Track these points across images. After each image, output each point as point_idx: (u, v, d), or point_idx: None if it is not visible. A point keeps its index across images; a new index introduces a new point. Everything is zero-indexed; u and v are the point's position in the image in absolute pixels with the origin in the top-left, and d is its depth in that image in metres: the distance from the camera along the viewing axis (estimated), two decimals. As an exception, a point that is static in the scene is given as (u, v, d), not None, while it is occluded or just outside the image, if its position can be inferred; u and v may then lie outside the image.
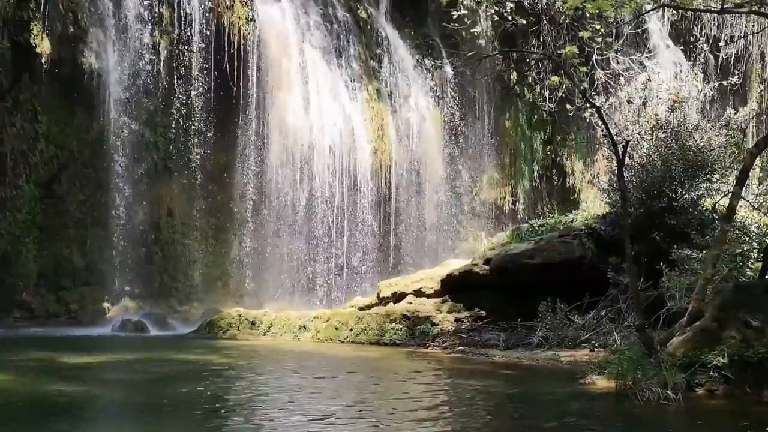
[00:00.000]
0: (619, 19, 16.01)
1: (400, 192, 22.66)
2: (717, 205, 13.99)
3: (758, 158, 13.79)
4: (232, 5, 20.43)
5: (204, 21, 20.06)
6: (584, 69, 20.49)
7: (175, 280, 20.17)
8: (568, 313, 14.15)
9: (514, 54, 22.93)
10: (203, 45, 19.97)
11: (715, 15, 23.94)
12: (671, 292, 11.91)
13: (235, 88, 20.16)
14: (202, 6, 20.06)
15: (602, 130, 16.75)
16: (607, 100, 18.95)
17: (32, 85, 18.19)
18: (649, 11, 14.44)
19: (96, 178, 19.14)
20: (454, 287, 16.52)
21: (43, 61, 18.00)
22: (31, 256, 18.26)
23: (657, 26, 26.39)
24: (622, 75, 21.36)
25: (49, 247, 18.56)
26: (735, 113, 16.51)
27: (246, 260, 20.61)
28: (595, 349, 12.77)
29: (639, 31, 23.61)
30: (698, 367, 9.33)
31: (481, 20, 23.23)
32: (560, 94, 20.90)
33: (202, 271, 20.53)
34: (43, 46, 17.99)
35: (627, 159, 12.97)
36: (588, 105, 16.91)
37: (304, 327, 16.00)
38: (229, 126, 20.57)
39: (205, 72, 19.96)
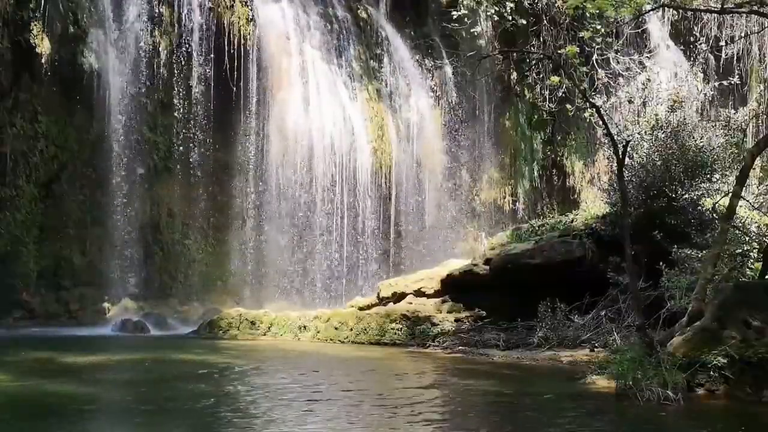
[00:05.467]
0: (619, 19, 15.99)
1: (400, 192, 22.65)
2: (717, 205, 13.98)
3: (758, 158, 13.79)
4: (232, 5, 20.43)
5: (204, 21, 20.06)
6: (584, 69, 20.49)
7: (175, 280, 20.16)
8: (568, 313, 14.16)
9: (514, 54, 22.92)
10: (203, 45, 19.98)
11: (715, 15, 23.93)
12: (671, 292, 11.92)
13: (235, 88, 20.16)
14: (202, 6, 20.06)
15: (602, 130, 16.76)
16: (607, 100, 18.96)
17: (32, 85, 18.19)
18: (649, 11, 14.46)
19: (96, 178, 19.13)
20: (454, 287, 16.52)
21: (43, 61, 18.00)
22: (31, 256, 18.25)
23: (657, 26, 26.37)
24: (622, 75, 21.37)
25: (49, 247, 18.56)
26: (735, 113, 16.53)
27: (246, 260, 20.60)
28: (595, 349, 12.77)
29: (639, 31, 23.61)
30: (698, 367, 9.33)
31: (481, 20, 23.21)
32: (560, 94, 20.90)
33: (202, 271, 20.53)
34: (43, 46, 17.99)
35: (627, 159, 12.96)
36: (588, 105, 16.90)
37: (304, 327, 15.99)
38: (229, 126, 20.57)
39: (205, 72, 19.96)
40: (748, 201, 13.87)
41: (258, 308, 17.88)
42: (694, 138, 14.96)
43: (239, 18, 20.42)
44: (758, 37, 25.88)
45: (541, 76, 22.76)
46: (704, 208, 14.49)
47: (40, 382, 10.03)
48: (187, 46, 19.86)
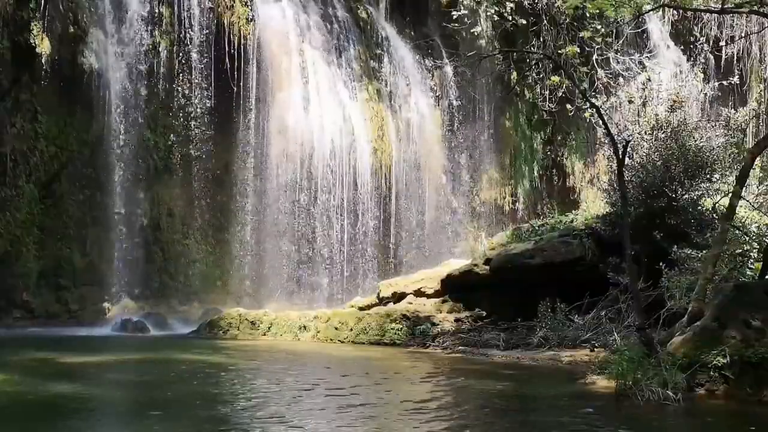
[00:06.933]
0: (619, 19, 16.00)
1: (400, 192, 22.65)
2: (717, 205, 13.99)
3: (758, 158, 13.79)
4: (232, 5, 20.43)
5: (204, 21, 20.06)
6: (584, 69, 20.50)
7: (175, 280, 20.17)
8: (568, 313, 14.17)
9: (514, 54, 22.93)
10: (203, 45, 19.98)
11: (715, 15, 23.94)
12: (671, 292, 11.93)
13: (235, 88, 20.17)
14: (202, 6, 20.07)
15: (602, 130, 16.78)
16: (607, 100, 18.97)
17: (32, 85, 18.20)
18: (649, 11, 14.45)
19: (96, 178, 19.14)
20: (454, 287, 16.53)
21: (43, 61, 18.00)
22: (31, 256, 18.26)
23: (657, 26, 26.39)
24: (622, 75, 21.37)
25: (49, 247, 18.56)
26: (735, 113, 16.54)
27: (246, 260, 20.60)
28: (595, 349, 12.77)
29: (639, 31, 23.61)
30: (698, 367, 9.32)
31: (481, 20, 23.23)
32: (560, 94, 20.91)
33: (202, 271, 20.54)
34: (43, 46, 17.99)
35: (627, 159, 12.96)
36: (588, 105, 16.90)
37: (305, 327, 16.00)
38: (229, 126, 20.57)
39: (205, 72, 19.96)
40: (748, 201, 13.88)
41: (258, 308, 17.88)
42: (694, 138, 14.97)
43: (239, 18, 20.42)
44: (758, 37, 25.90)
45: (541, 76, 22.76)
46: (704, 208, 14.50)
47: (42, 383, 10.00)
48: (187, 46, 19.87)
